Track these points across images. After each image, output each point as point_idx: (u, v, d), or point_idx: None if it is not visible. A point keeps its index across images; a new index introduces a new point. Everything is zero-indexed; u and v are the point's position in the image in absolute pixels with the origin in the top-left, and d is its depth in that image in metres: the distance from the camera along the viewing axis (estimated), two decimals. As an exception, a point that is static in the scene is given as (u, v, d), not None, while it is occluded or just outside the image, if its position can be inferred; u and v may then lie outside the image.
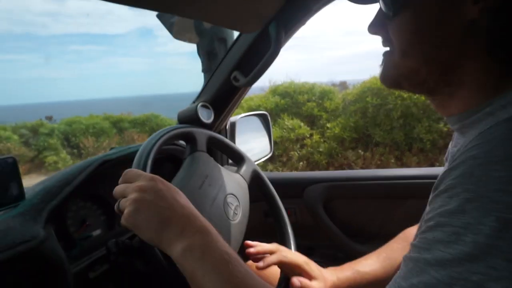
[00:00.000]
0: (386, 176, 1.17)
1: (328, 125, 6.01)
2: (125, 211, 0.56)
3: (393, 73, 0.55)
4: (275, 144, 5.80)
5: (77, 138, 8.85)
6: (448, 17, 0.48)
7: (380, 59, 0.60)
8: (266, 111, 5.75)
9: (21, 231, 0.69)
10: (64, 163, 8.24)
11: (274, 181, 1.04)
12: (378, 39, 0.61)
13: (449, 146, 0.68)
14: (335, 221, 1.23)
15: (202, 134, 0.93)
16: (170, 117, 9.86)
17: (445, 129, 5.19)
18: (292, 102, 6.48)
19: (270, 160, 5.90)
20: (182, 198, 0.59)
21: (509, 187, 0.34)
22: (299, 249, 0.90)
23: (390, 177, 1.16)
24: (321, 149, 5.77)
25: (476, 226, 0.34)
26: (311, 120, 6.37)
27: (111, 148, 1.03)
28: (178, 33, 1.12)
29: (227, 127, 1.23)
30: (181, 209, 0.56)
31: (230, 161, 1.27)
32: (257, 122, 1.36)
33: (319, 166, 5.71)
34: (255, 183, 1.01)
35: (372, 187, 1.18)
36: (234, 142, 1.23)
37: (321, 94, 6.51)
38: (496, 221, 0.33)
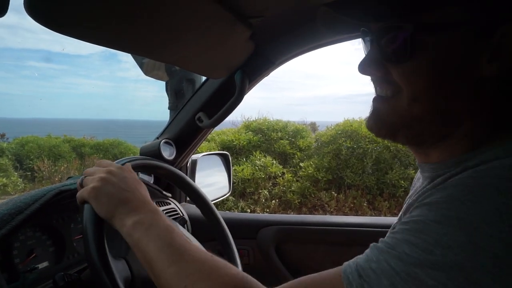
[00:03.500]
0: (336, 223, 1.28)
1: (302, 164, 6.22)
2: (89, 185, 0.71)
3: (394, 121, 0.54)
4: (247, 181, 5.92)
5: (32, 160, 8.53)
6: (464, 68, 0.49)
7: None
8: (239, 146, 5.85)
9: None
10: (15, 187, 7.82)
11: (229, 221, 1.13)
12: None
13: (415, 184, 0.71)
14: (286, 265, 1.31)
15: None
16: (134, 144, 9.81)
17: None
18: (265, 139, 6.70)
19: (242, 197, 5.96)
20: (142, 189, 0.75)
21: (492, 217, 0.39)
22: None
23: (340, 223, 1.28)
24: (293, 188, 5.91)
25: (447, 242, 0.39)
26: (283, 158, 6.58)
27: (68, 178, 1.08)
28: (148, 71, 1.23)
29: (188, 164, 1.32)
30: (139, 194, 0.72)
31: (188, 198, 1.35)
32: (218, 161, 1.47)
33: (292, 205, 5.81)
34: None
35: (322, 232, 1.28)
36: (194, 179, 1.31)
37: (294, 133, 6.80)
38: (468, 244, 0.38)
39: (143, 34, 0.78)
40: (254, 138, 6.65)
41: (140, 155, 1.19)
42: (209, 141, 6.65)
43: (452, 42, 0.48)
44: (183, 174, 1.10)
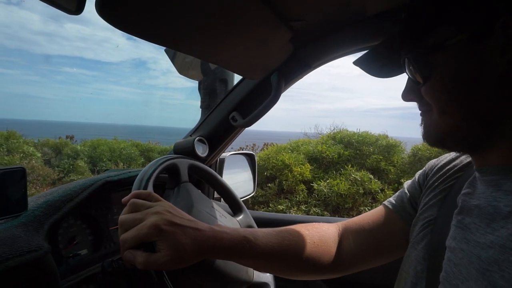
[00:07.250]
0: None
1: (403, 181, 6.06)
2: (161, 247, 0.62)
3: (435, 131, 0.62)
4: (341, 196, 5.76)
5: (105, 163, 8.64)
6: (478, 72, 0.54)
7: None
8: (327, 159, 6.10)
9: (26, 240, 0.75)
10: (92, 191, 8.00)
11: (259, 220, 1.19)
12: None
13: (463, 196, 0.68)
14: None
15: (183, 163, 1.03)
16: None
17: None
18: (355, 153, 6.57)
19: (337, 213, 5.78)
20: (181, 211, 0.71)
21: None
22: None
23: None
24: (398, 206, 5.77)
25: None
26: (375, 173, 6.41)
27: (105, 170, 1.14)
28: (183, 70, 1.29)
29: (217, 162, 1.38)
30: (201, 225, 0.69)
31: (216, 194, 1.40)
32: (244, 161, 1.53)
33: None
34: None
35: None
36: (221, 177, 1.37)
37: (387, 147, 6.66)
38: None
39: (192, 34, 0.83)
40: (346, 152, 6.51)
41: (174, 151, 1.24)
42: (292, 151, 6.60)
43: (458, 52, 0.55)
44: (204, 166, 1.13)
